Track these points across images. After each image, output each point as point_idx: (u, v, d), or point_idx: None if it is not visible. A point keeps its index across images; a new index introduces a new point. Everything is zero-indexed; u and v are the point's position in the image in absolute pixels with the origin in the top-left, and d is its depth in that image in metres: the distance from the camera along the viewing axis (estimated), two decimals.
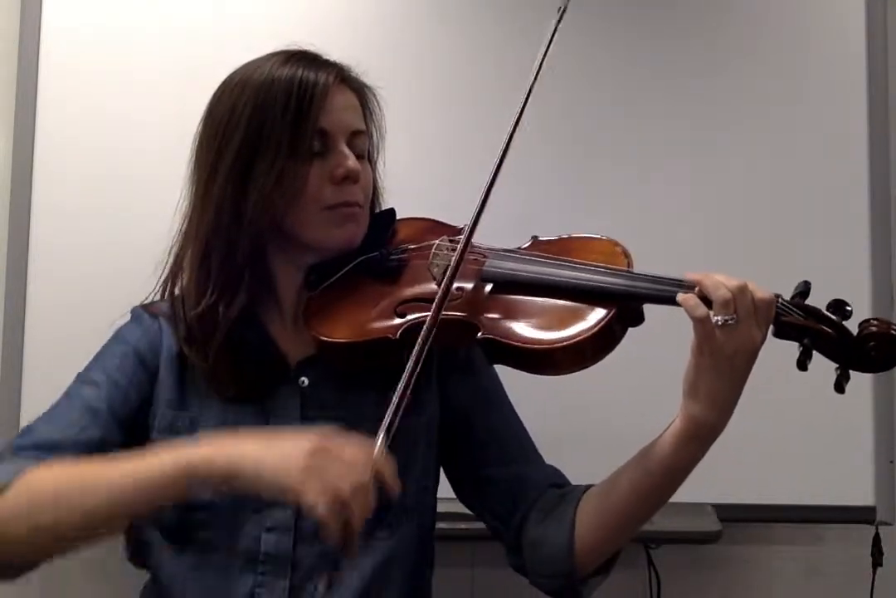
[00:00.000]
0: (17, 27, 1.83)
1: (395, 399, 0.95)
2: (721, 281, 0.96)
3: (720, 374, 0.96)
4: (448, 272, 1.05)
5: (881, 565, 1.91)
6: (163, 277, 1.18)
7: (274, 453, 0.91)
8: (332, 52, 1.18)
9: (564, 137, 1.86)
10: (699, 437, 1.00)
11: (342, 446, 0.91)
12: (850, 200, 1.88)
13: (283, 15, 1.84)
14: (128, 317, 1.21)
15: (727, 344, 0.94)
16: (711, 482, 1.66)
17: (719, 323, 0.94)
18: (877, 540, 1.90)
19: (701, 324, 0.95)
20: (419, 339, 1.00)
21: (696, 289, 0.98)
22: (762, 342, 0.96)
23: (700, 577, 2.01)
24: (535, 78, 1.10)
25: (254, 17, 1.83)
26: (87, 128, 1.80)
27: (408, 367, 0.98)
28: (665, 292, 1.00)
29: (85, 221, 1.78)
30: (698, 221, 1.86)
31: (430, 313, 1.02)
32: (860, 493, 1.82)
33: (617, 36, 1.89)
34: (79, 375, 1.15)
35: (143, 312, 1.20)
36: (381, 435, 0.93)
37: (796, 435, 1.78)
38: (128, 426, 1.12)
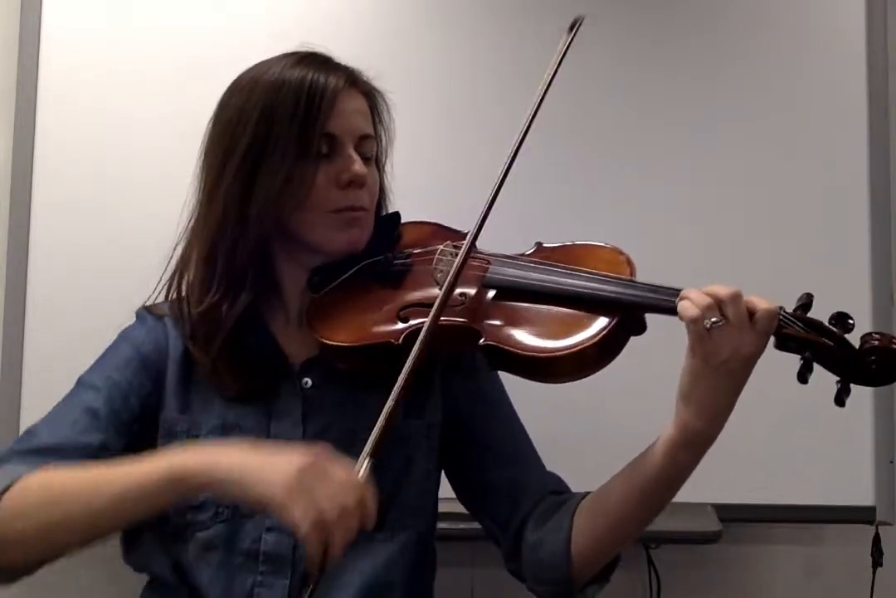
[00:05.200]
0: (17, 27, 1.83)
1: (380, 420, 0.95)
2: (710, 288, 0.97)
3: (714, 379, 0.96)
4: (449, 278, 1.05)
5: (881, 565, 1.91)
6: (167, 275, 1.18)
7: (264, 467, 0.90)
8: (332, 51, 1.18)
9: (567, 141, 1.86)
10: (691, 444, 1.00)
11: (332, 466, 0.90)
12: (850, 200, 1.88)
13: (283, 15, 1.83)
14: (132, 320, 1.20)
15: (721, 348, 0.95)
16: (711, 482, 1.66)
17: (707, 325, 0.94)
18: (877, 540, 1.90)
19: (692, 325, 0.96)
20: (416, 344, 1.00)
21: None
22: (759, 351, 0.96)
23: (700, 577, 2.01)
24: (546, 89, 1.10)
25: (254, 16, 1.83)
26: (87, 127, 1.80)
27: (399, 379, 0.97)
28: (665, 302, 1.01)
29: (85, 220, 1.78)
30: (699, 222, 1.86)
31: (429, 318, 1.02)
32: (860, 493, 1.82)
33: (616, 37, 1.89)
34: (80, 378, 1.15)
35: (148, 314, 1.20)
36: (365, 460, 0.93)
37: (796, 435, 1.78)
38: (129, 430, 1.11)
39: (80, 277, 1.77)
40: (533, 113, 1.10)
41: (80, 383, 1.14)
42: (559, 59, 1.11)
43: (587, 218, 1.84)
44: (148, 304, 1.21)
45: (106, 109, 1.80)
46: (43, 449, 1.06)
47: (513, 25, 1.86)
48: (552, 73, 1.10)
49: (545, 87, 1.10)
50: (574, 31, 1.13)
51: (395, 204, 1.25)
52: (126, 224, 1.77)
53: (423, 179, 1.73)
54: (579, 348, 1.01)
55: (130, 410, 1.11)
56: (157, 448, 1.09)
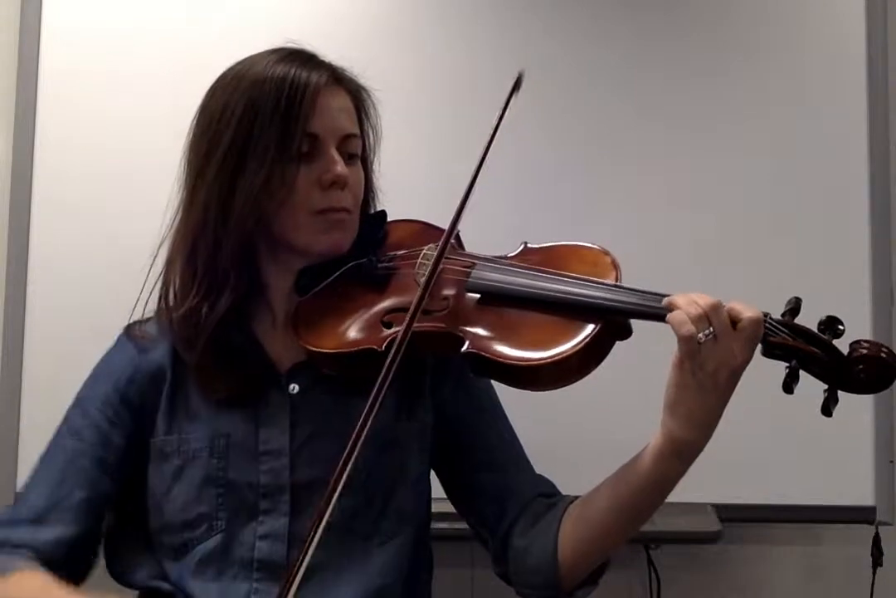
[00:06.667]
0: (17, 27, 1.83)
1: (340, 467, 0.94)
2: (694, 299, 0.95)
3: (700, 391, 0.95)
4: (422, 286, 1.03)
5: (881, 565, 1.91)
6: (156, 281, 1.18)
7: None
8: (329, 49, 1.17)
9: (566, 141, 1.86)
10: (678, 454, 0.99)
11: None
12: (850, 200, 1.87)
13: (283, 15, 1.84)
14: (133, 319, 1.20)
15: (708, 361, 0.94)
16: (711, 482, 1.66)
17: (701, 339, 0.93)
18: (877, 540, 1.90)
19: (685, 342, 0.94)
20: (388, 357, 0.97)
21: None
22: (746, 361, 0.95)
23: (700, 577, 2.01)
24: (490, 142, 1.07)
25: (254, 16, 1.83)
26: (86, 127, 1.80)
27: (372, 396, 0.96)
28: (650, 309, 0.99)
29: (85, 219, 1.78)
30: (698, 222, 1.86)
31: (405, 326, 1.00)
32: (860, 493, 1.81)
33: (616, 37, 1.89)
34: (66, 415, 1.15)
35: (128, 338, 1.19)
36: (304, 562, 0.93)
37: (796, 435, 1.78)
38: (119, 468, 1.12)
39: (80, 277, 1.77)
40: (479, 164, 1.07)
41: (64, 425, 1.15)
42: (501, 114, 1.08)
43: (587, 218, 1.83)
44: (133, 320, 1.20)
45: (106, 108, 1.80)
46: (34, 520, 1.08)
47: (513, 25, 1.86)
48: (496, 126, 1.07)
49: (490, 140, 1.07)
50: (516, 88, 1.09)
51: (387, 204, 1.23)
52: (126, 224, 1.76)
53: (421, 179, 1.73)
54: (563, 356, 0.99)
55: (115, 449, 1.12)
56: (148, 474, 1.12)
